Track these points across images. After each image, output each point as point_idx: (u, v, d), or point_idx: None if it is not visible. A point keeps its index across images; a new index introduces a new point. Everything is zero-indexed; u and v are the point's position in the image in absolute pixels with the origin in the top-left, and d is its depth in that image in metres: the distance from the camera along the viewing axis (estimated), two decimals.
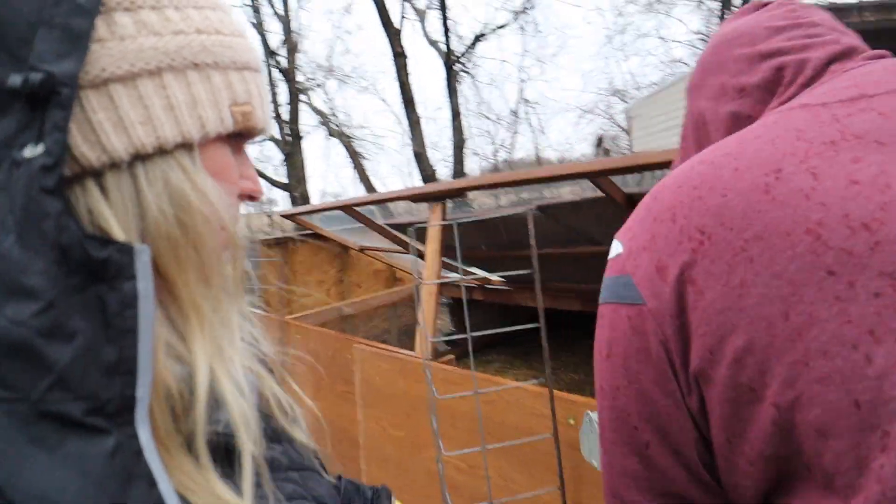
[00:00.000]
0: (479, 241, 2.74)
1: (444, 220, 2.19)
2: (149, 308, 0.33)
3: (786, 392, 0.40)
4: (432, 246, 2.21)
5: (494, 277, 3.82)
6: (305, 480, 0.46)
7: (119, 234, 0.34)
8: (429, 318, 2.15)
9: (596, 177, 1.66)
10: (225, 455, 0.38)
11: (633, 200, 1.83)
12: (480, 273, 3.81)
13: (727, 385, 0.44)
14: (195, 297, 0.37)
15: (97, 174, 0.34)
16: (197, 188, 0.37)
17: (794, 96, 0.56)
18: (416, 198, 2.34)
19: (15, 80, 0.29)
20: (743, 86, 0.59)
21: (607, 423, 0.53)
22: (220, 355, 0.38)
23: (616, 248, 0.54)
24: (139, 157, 0.35)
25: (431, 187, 2.23)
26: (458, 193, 2.21)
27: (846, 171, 0.43)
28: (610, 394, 0.53)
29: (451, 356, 2.37)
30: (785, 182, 0.44)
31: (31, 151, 0.30)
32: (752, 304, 0.43)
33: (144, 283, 0.33)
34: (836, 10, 6.14)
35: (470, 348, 1.45)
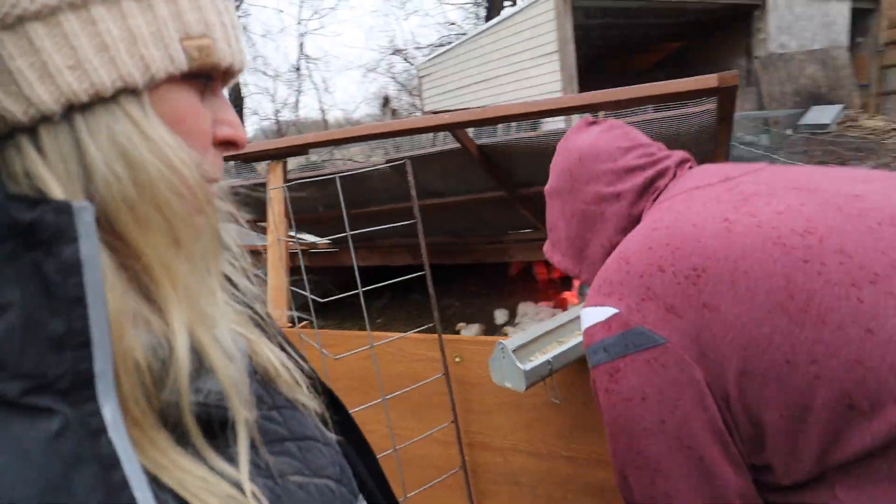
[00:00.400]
0: (316, 203, 2.63)
1: (285, 180, 2.06)
2: (96, 273, 0.29)
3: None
4: (276, 208, 2.06)
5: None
6: (304, 452, 0.42)
7: (59, 196, 0.29)
8: (280, 286, 2.03)
9: (455, 128, 1.74)
10: (212, 427, 0.35)
11: (483, 151, 1.97)
12: (312, 238, 3.68)
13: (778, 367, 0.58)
14: (165, 260, 0.33)
15: (30, 131, 0.30)
16: (149, 140, 0.32)
17: (663, 190, 0.81)
18: (252, 157, 2.13)
19: None
20: (618, 192, 0.83)
21: (663, 456, 0.63)
22: (202, 320, 0.35)
23: (604, 312, 0.68)
24: (75, 108, 0.30)
25: (271, 144, 2.06)
26: (300, 150, 2.08)
27: (769, 209, 0.63)
28: (656, 429, 0.63)
29: (306, 322, 2.29)
30: (736, 223, 0.64)
31: None
32: (763, 299, 0.58)
33: (88, 245, 0.29)
34: None
35: (363, 304, 1.43)
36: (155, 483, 0.30)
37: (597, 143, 0.87)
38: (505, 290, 4.29)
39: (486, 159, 1.98)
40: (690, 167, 0.85)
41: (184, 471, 0.31)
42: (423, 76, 10.31)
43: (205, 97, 0.38)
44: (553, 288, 4.16)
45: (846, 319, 0.54)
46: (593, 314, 0.70)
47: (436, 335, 1.62)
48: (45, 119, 0.30)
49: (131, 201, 0.32)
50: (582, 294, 3.28)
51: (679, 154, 0.88)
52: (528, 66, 7.10)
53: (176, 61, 0.34)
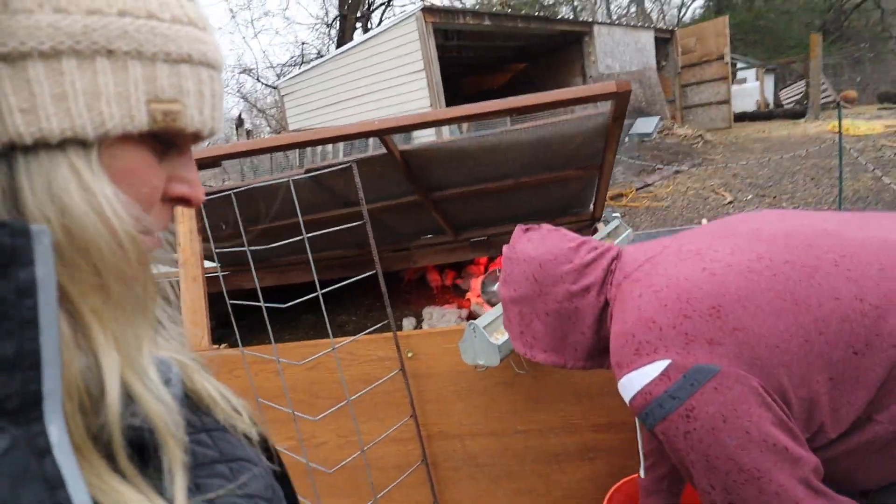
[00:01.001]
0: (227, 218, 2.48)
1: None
2: (51, 296, 0.30)
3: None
4: (186, 225, 1.94)
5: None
6: (236, 473, 0.42)
7: None
8: (197, 307, 1.91)
9: (383, 134, 1.81)
10: (146, 450, 0.35)
11: (406, 157, 2.05)
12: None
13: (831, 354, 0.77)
14: (93, 306, 0.33)
15: None
16: (88, 192, 0.32)
17: (615, 273, 0.99)
18: None
19: None
20: (586, 286, 0.98)
21: (759, 460, 0.75)
22: (132, 365, 0.35)
23: (655, 368, 0.81)
24: (18, 149, 0.31)
25: None
26: (212, 163, 1.99)
27: (722, 253, 0.87)
28: (745, 440, 0.75)
29: (225, 345, 2.15)
30: (713, 270, 0.83)
31: None
32: (768, 309, 0.78)
33: (44, 268, 0.29)
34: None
35: (325, 314, 1.42)
36: None
37: (547, 248, 1.00)
38: (401, 298, 4.35)
39: (406, 165, 2.06)
40: (619, 253, 1.02)
41: (121, 494, 0.32)
42: (285, 94, 10.03)
43: (167, 155, 0.39)
44: (448, 292, 4.33)
45: (817, 298, 0.77)
46: (641, 376, 0.82)
47: (384, 335, 1.66)
48: None
49: (61, 249, 0.31)
50: (486, 293, 3.48)
51: (607, 244, 1.06)
52: (397, 83, 7.31)
53: (136, 121, 0.34)
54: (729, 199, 5.68)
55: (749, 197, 5.58)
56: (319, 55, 23.37)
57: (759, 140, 9.18)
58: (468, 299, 3.78)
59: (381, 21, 21.16)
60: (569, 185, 2.62)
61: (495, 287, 3.40)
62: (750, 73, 15.99)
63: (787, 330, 0.76)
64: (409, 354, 1.66)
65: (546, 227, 1.07)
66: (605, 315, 0.98)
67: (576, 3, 21.75)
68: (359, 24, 17.51)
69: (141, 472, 0.34)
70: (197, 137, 0.39)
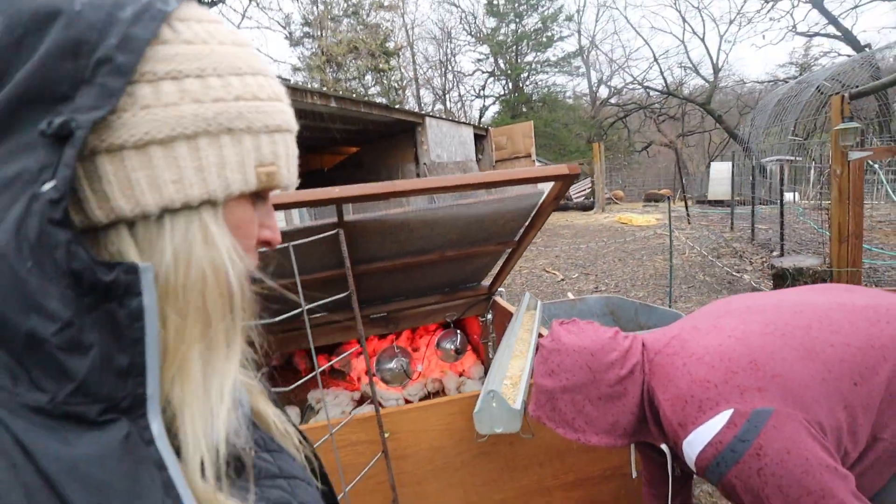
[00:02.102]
0: None
1: None
2: (154, 319, 0.37)
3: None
4: None
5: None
6: (293, 488, 0.51)
7: None
8: None
9: (343, 202, 1.77)
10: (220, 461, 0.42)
11: (350, 228, 1.99)
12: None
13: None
14: (181, 346, 0.39)
15: (130, 223, 0.37)
16: (212, 243, 0.40)
17: (655, 353, 1.16)
18: None
19: (43, 123, 0.33)
20: (631, 368, 1.13)
21: (824, 480, 0.89)
22: (196, 406, 0.40)
23: (721, 419, 0.97)
24: (167, 211, 0.38)
25: None
26: None
27: (734, 326, 1.11)
28: (807, 465, 0.90)
29: None
30: (733, 338, 1.07)
31: (47, 186, 0.32)
32: (791, 357, 0.99)
33: (149, 297, 0.36)
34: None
35: (321, 390, 1.28)
36: None
37: (592, 339, 1.14)
38: (282, 382, 3.95)
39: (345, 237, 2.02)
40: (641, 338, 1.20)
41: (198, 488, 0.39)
42: None
43: (256, 205, 0.46)
44: (323, 375, 4.07)
45: (819, 346, 1.00)
46: (709, 428, 0.96)
47: (360, 415, 1.54)
48: (145, 217, 0.37)
49: (178, 289, 0.38)
50: (380, 370, 3.36)
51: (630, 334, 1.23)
52: None
53: (249, 183, 0.41)
54: (560, 277, 6.49)
55: (576, 275, 6.47)
56: None
57: (566, 227, 10.79)
58: (355, 380, 3.60)
59: None
60: (476, 259, 2.79)
61: (392, 364, 3.33)
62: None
63: (808, 373, 0.97)
64: (387, 435, 1.56)
65: (577, 320, 1.21)
66: (645, 391, 1.11)
67: (393, 98, 23.62)
68: None
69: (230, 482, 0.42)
70: (280, 189, 0.47)
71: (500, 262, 2.98)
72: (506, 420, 1.31)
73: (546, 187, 2.10)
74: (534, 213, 2.21)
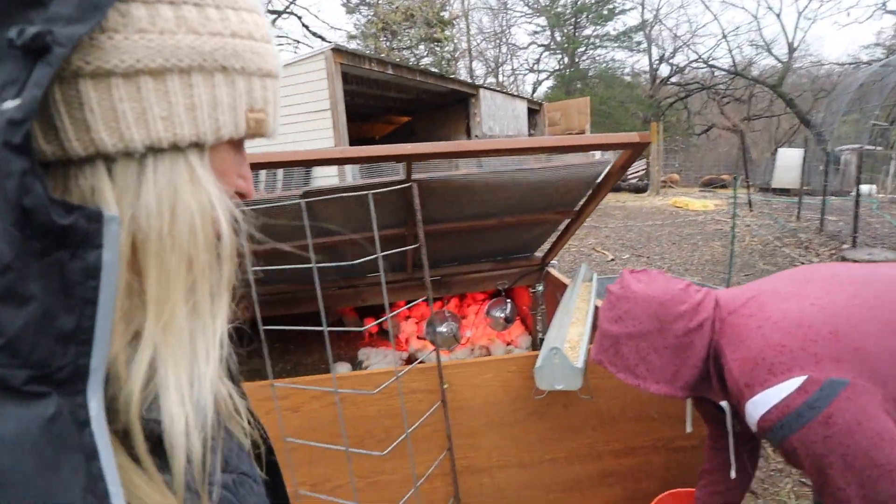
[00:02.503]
0: None
1: None
2: (112, 279, 0.32)
3: None
4: None
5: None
6: (238, 486, 0.45)
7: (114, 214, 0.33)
8: None
9: (414, 160, 1.79)
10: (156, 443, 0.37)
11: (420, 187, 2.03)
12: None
13: None
14: (163, 300, 0.35)
15: (109, 158, 0.34)
16: (200, 187, 0.37)
17: (729, 312, 1.12)
18: None
19: (13, 31, 0.28)
20: (700, 322, 1.12)
21: (893, 453, 0.87)
22: (179, 365, 0.36)
23: (793, 383, 0.95)
24: (153, 150, 0.35)
25: None
26: None
27: (818, 293, 1.05)
28: (878, 438, 0.89)
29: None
30: (817, 305, 1.01)
31: (9, 105, 0.28)
32: (873, 330, 0.95)
33: (110, 253, 0.31)
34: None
35: (391, 336, 1.33)
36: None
37: (663, 289, 1.14)
38: (310, 341, 4.10)
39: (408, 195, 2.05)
40: (716, 294, 1.18)
41: (135, 483, 0.34)
42: None
43: (236, 153, 0.43)
44: (370, 334, 4.18)
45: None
46: (778, 391, 0.95)
47: (420, 365, 1.59)
48: (127, 154, 0.34)
49: (162, 238, 0.34)
50: (429, 333, 3.44)
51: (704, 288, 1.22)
52: (297, 120, 7.10)
53: (238, 128, 0.39)
54: (610, 257, 6.39)
55: (627, 256, 6.35)
56: None
57: (618, 208, 10.55)
58: (402, 342, 3.70)
59: None
60: (533, 228, 2.79)
61: (443, 328, 3.39)
62: (598, 155, 18.49)
63: (890, 349, 0.93)
64: (446, 386, 1.61)
65: (649, 270, 1.20)
66: (712, 347, 1.10)
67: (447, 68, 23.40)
68: None
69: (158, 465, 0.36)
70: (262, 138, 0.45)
71: (554, 235, 2.96)
72: (567, 377, 1.33)
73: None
74: (598, 181, 2.17)
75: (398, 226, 2.39)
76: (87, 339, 0.31)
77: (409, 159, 1.77)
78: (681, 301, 1.11)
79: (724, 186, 13.76)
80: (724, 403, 1.15)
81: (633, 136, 1.76)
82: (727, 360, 1.06)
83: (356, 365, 3.44)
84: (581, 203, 2.41)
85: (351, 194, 1.49)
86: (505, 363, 1.63)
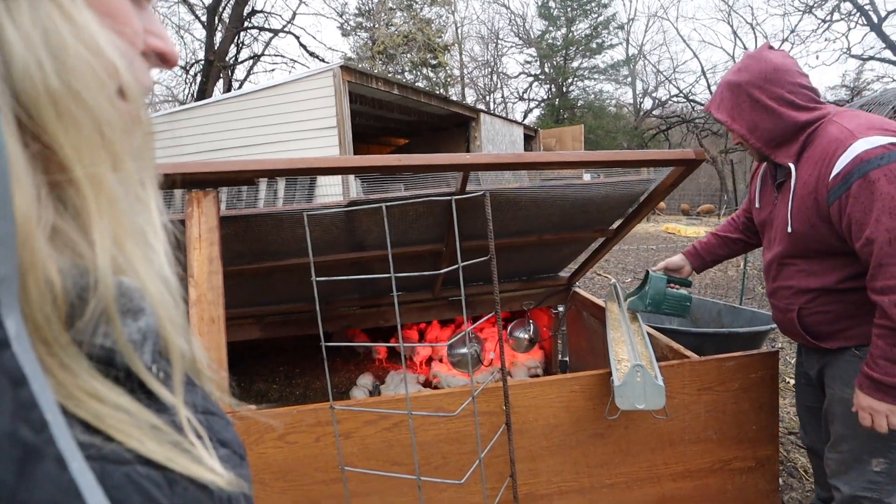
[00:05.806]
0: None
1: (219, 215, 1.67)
2: (2, 162, 0.25)
3: None
4: (204, 252, 1.63)
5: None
6: (211, 423, 0.41)
7: None
8: (219, 345, 1.59)
9: (469, 170, 1.76)
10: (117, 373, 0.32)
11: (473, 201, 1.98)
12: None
13: None
14: (90, 166, 0.29)
15: None
16: (78, 27, 0.29)
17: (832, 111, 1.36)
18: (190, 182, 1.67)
19: None
20: (793, 101, 1.33)
21: None
22: (133, 236, 0.31)
23: (884, 139, 1.16)
24: None
25: (207, 167, 1.65)
26: (241, 178, 1.72)
27: None
28: None
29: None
30: None
31: None
32: None
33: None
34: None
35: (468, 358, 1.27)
36: (62, 411, 0.26)
37: (785, 63, 1.33)
38: (319, 365, 3.99)
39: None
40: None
41: (101, 400, 0.29)
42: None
43: (135, 7, 0.36)
44: (373, 360, 4.05)
45: None
46: (872, 141, 1.17)
47: (484, 387, 1.53)
48: None
49: (55, 95, 0.28)
50: (452, 355, 3.35)
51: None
52: (302, 136, 7.03)
53: None
54: (612, 280, 6.39)
55: (629, 279, 6.36)
56: (173, 96, 21.78)
57: None
58: (417, 365, 3.60)
59: (248, 74, 20.72)
60: (564, 247, 2.75)
61: (464, 350, 3.30)
62: (587, 177, 18.91)
63: None
64: (503, 407, 1.54)
65: (786, 53, 1.38)
66: (815, 122, 1.32)
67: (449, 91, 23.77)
68: (222, 75, 16.85)
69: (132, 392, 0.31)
70: None
71: (582, 255, 2.93)
72: (650, 396, 1.28)
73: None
74: (642, 198, 2.15)
75: (435, 241, 2.34)
76: None
77: (466, 169, 1.74)
78: (802, 76, 1.33)
79: (709, 213, 14.05)
80: (791, 165, 1.34)
81: (688, 153, 1.75)
82: (834, 123, 1.27)
83: (374, 389, 3.32)
84: (620, 221, 2.39)
85: (419, 200, 1.43)
86: (568, 382, 1.57)
